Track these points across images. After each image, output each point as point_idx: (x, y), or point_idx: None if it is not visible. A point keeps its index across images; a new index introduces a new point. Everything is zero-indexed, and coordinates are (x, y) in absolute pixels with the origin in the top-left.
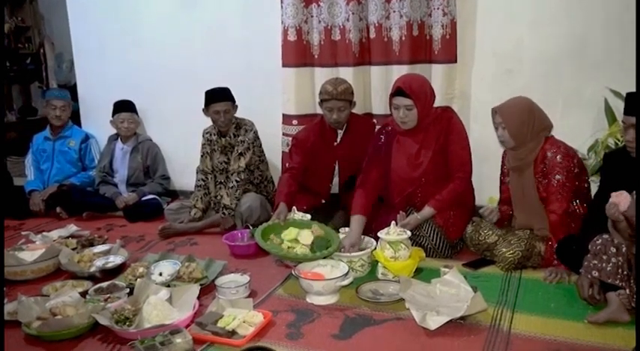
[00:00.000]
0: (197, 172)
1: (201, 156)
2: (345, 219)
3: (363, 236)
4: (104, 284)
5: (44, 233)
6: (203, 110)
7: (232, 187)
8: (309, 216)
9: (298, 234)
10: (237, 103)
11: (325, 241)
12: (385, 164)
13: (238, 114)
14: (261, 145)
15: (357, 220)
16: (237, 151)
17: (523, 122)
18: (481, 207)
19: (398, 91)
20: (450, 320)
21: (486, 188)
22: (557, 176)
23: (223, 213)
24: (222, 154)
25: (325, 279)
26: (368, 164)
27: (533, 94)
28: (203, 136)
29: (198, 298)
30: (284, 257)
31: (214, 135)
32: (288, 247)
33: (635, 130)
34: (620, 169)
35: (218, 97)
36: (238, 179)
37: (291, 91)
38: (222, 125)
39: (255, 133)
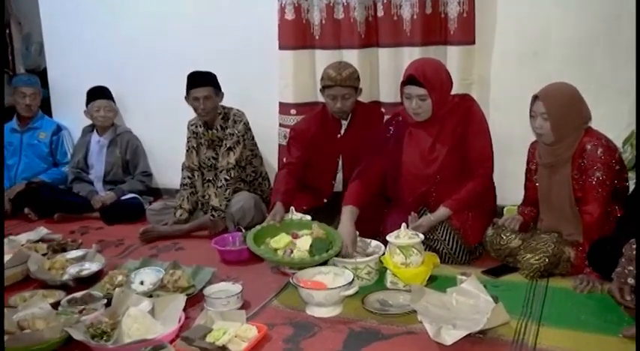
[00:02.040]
0: (182, 169)
1: (187, 151)
2: None
3: (369, 240)
4: (78, 294)
5: (11, 237)
6: (185, 98)
7: (221, 187)
8: (309, 217)
9: (291, 243)
10: (223, 90)
11: (326, 243)
12: (393, 159)
13: (230, 103)
14: (253, 137)
15: (347, 211)
16: (225, 145)
17: (568, 113)
18: (503, 207)
19: (410, 79)
20: (468, 334)
21: (509, 186)
22: (597, 173)
23: (212, 215)
24: (210, 149)
25: (327, 288)
26: (371, 157)
27: (561, 79)
28: (188, 128)
29: (185, 309)
30: (279, 263)
31: (200, 127)
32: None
33: (636, 128)
34: None
35: (198, 82)
36: (228, 177)
37: (289, 76)
38: (202, 114)
39: (246, 124)
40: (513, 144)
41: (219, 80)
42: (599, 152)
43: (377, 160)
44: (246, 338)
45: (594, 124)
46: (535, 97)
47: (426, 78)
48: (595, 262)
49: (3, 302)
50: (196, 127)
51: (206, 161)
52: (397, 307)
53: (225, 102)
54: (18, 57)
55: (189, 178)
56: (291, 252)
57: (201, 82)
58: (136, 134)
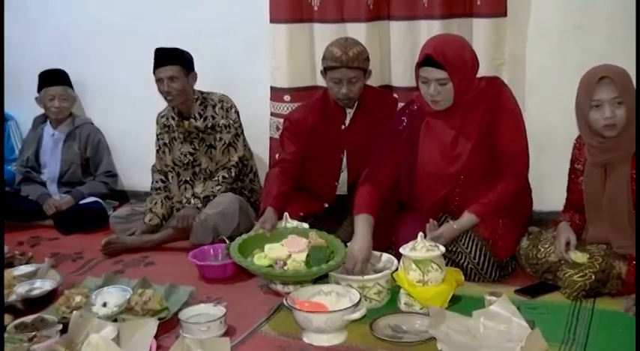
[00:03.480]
0: (152, 173)
1: (157, 151)
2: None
3: (379, 253)
4: (28, 318)
5: None
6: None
7: (215, 180)
8: (306, 225)
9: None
10: (204, 73)
11: (326, 252)
12: (408, 156)
13: (212, 88)
14: (241, 124)
15: (363, 220)
16: (221, 140)
17: (635, 94)
18: (540, 213)
19: (427, 60)
20: None
21: (547, 188)
22: None
23: (188, 202)
24: (186, 143)
25: (329, 311)
26: (379, 154)
27: (609, 58)
28: (157, 122)
29: (156, 336)
30: (269, 276)
31: (172, 118)
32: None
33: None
34: None
35: (162, 60)
36: (226, 175)
37: (283, 55)
38: (168, 98)
39: (237, 110)
40: (553, 137)
41: (197, 61)
42: None
43: (388, 156)
44: None
45: None
46: (600, 79)
47: (447, 58)
48: None
49: (3, 302)
50: (167, 119)
51: (181, 158)
52: (413, 334)
53: (207, 87)
54: None
55: (162, 181)
56: (284, 264)
57: (166, 60)
58: (98, 126)
